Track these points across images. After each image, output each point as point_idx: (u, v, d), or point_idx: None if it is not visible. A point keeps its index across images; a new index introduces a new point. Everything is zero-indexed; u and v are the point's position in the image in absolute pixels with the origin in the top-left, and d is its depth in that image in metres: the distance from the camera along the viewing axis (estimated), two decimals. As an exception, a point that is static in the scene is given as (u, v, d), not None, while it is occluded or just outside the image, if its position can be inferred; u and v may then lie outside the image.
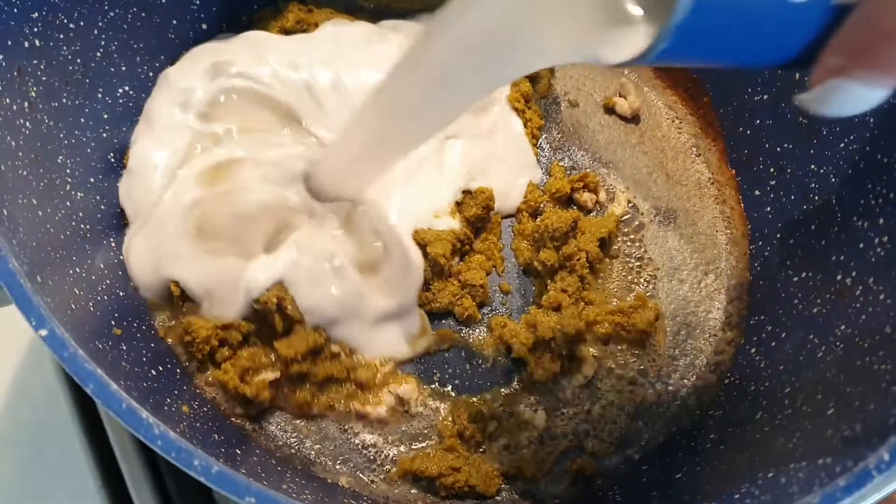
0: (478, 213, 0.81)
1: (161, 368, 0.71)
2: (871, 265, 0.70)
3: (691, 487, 0.69)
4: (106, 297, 0.69)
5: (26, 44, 0.65)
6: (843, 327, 0.70)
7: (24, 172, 0.62)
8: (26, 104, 0.64)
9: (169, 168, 0.77)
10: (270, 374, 0.73)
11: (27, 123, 0.64)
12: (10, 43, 0.62)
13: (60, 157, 0.69)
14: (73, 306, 0.61)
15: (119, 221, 0.78)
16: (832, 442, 0.59)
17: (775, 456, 0.64)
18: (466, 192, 0.82)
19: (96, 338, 0.61)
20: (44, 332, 0.48)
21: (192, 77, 0.81)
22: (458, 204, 0.82)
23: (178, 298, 0.75)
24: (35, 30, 0.66)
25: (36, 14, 0.66)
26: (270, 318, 0.73)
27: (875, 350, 0.64)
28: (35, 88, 0.66)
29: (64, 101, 0.70)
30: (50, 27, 0.68)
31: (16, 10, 0.63)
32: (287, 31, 0.88)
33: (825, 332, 0.72)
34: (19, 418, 0.78)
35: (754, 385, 0.77)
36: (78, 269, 0.66)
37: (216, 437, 0.69)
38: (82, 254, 0.68)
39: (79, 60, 0.72)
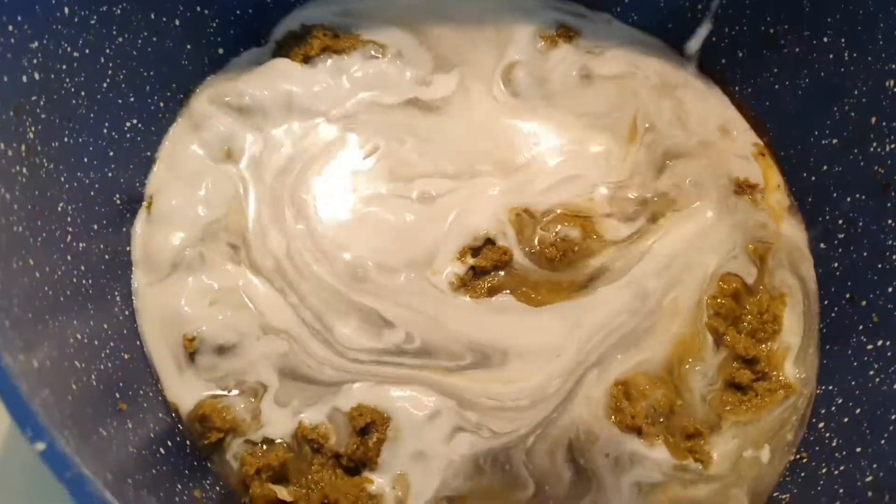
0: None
1: (170, 444, 0.63)
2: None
3: None
4: (110, 364, 0.61)
5: (24, 78, 0.56)
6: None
7: (20, 228, 0.53)
8: (23, 147, 0.56)
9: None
10: (285, 495, 0.65)
11: (24, 170, 0.56)
12: (5, 79, 0.54)
13: (61, 205, 0.61)
14: (75, 385, 0.53)
15: (125, 271, 0.70)
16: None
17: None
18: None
19: (100, 421, 0.53)
20: (41, 447, 0.40)
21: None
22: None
23: (189, 356, 0.67)
24: (35, 61, 0.58)
25: (36, 44, 0.57)
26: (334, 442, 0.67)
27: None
28: (33, 128, 0.57)
29: (66, 140, 0.62)
30: (51, 58, 0.59)
31: (13, 41, 0.55)
32: (309, 59, 0.80)
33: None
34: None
35: (826, 468, 0.69)
36: (80, 336, 0.58)
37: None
38: (84, 315, 0.60)
39: (83, 93, 0.64)
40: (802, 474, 0.71)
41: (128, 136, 0.71)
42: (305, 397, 0.69)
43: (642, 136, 0.83)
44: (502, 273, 0.75)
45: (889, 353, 0.70)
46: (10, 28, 0.54)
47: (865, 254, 0.75)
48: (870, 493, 0.63)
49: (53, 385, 0.47)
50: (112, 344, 0.62)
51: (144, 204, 0.73)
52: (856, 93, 0.75)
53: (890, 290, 0.72)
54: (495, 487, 0.68)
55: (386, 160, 0.78)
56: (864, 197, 0.75)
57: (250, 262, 0.73)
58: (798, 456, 0.73)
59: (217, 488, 0.64)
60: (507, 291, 0.74)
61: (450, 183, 0.77)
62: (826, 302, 0.78)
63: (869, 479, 0.65)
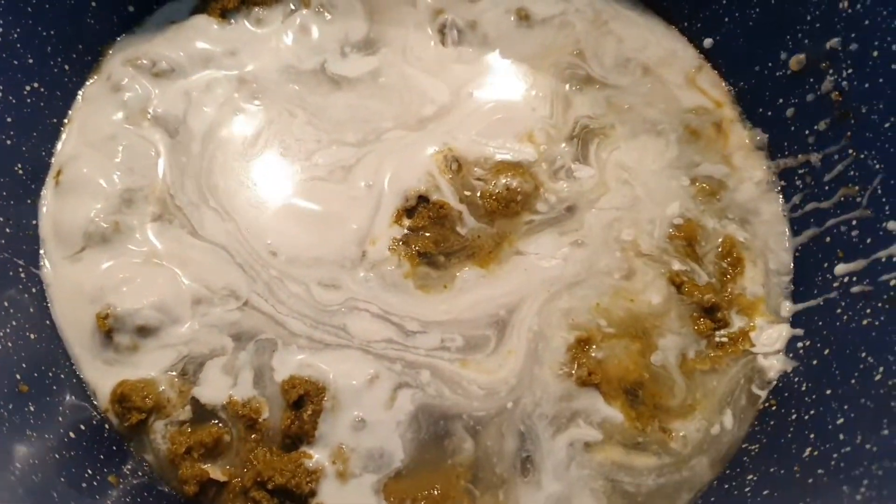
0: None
1: (83, 428, 0.58)
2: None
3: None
4: (10, 345, 0.55)
5: None
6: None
7: None
8: None
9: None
10: (218, 475, 0.60)
11: None
12: None
13: (-53, 174, 0.55)
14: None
15: (31, 246, 0.64)
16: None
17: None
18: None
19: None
20: None
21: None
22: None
23: (105, 334, 0.62)
24: None
25: None
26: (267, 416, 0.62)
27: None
28: None
29: (-52, 102, 0.56)
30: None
31: None
32: (226, 13, 0.75)
33: (881, 348, 0.60)
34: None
35: (796, 413, 0.65)
36: (-31, 313, 0.52)
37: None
38: (-24, 291, 0.54)
39: (-33, 52, 0.58)
40: (772, 422, 0.67)
41: (28, 100, 0.65)
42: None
43: (579, 73, 0.78)
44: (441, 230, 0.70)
45: (855, 289, 0.65)
46: None
47: (828, 188, 0.70)
48: (842, 436, 0.59)
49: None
50: (14, 323, 0.57)
51: (52, 174, 0.67)
52: (808, 18, 0.70)
53: (854, 222, 0.67)
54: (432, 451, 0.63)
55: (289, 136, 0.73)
56: (823, 127, 0.70)
57: (188, 230, 0.68)
58: (766, 404, 0.68)
59: (139, 473, 0.59)
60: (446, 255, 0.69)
61: (357, 149, 0.73)
62: (789, 243, 0.73)
63: (840, 420, 0.61)
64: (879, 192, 0.65)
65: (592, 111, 0.76)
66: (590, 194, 0.72)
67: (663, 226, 0.72)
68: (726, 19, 0.78)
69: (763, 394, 0.68)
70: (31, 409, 0.53)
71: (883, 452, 0.55)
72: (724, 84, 0.80)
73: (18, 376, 0.54)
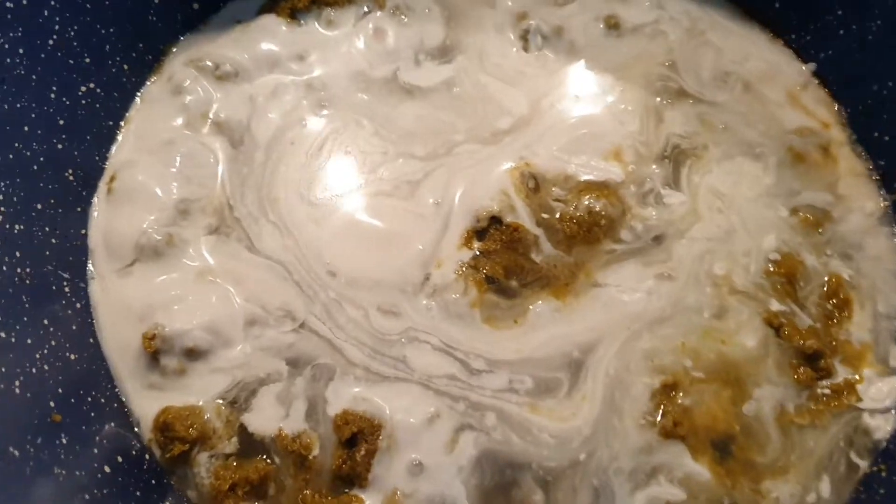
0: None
1: (120, 460, 0.54)
2: None
3: None
4: (46, 368, 0.52)
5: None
6: None
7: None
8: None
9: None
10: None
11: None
12: None
13: (-10, 181, 0.51)
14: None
15: (79, 258, 0.60)
16: None
17: None
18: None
19: (13, 441, 0.43)
20: None
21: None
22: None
23: (151, 356, 0.58)
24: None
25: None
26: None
27: None
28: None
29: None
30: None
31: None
32: (296, 13, 0.70)
33: None
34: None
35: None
36: (3, 334, 0.48)
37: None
38: (14, 312, 0.51)
39: (21, 51, 0.55)
40: (881, 491, 0.60)
41: (83, 102, 0.62)
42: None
43: (671, 86, 0.71)
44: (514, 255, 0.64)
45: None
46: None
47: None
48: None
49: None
50: (53, 343, 0.54)
51: (105, 180, 0.64)
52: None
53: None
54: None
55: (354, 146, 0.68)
56: None
57: (245, 245, 0.64)
58: (875, 468, 0.61)
59: (177, 516, 0.55)
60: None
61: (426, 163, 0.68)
62: (903, 284, 0.66)
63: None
64: None
65: (685, 129, 0.70)
66: (680, 223, 0.66)
67: (760, 260, 0.65)
68: (841, 31, 0.70)
69: (864, 464, 0.60)
70: (63, 441, 0.49)
71: None
72: (834, 104, 0.72)
73: (52, 404, 0.50)
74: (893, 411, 0.62)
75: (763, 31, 0.75)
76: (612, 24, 0.73)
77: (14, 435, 0.44)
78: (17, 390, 0.47)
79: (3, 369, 0.47)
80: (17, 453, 0.43)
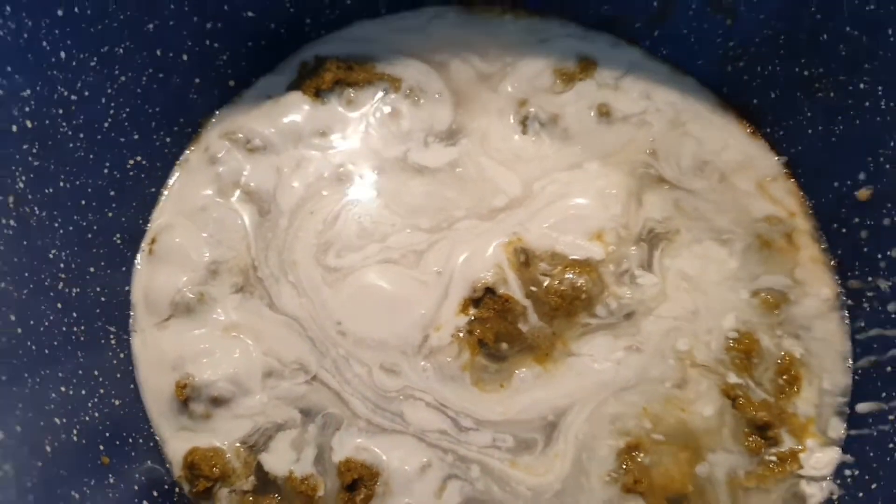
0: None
1: (156, 494, 0.62)
2: None
3: None
4: (97, 415, 0.60)
5: (14, 128, 0.56)
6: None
7: (2, 284, 0.53)
8: (11, 199, 0.55)
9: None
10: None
11: (10, 222, 0.55)
12: (-9, 133, 0.53)
13: (53, 252, 0.60)
14: (49, 448, 0.52)
15: (123, 312, 0.69)
16: None
17: None
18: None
19: (74, 483, 0.53)
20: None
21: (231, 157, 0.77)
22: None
23: (182, 402, 0.67)
24: (26, 109, 0.57)
25: (28, 91, 0.57)
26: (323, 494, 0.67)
27: None
28: (24, 178, 0.57)
29: (61, 185, 0.61)
30: (46, 104, 0.59)
31: (1, 92, 0.54)
32: (320, 92, 0.79)
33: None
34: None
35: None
36: (64, 388, 0.58)
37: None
38: (72, 364, 0.60)
39: (81, 136, 0.63)
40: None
41: (131, 174, 0.70)
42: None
43: (653, 172, 0.80)
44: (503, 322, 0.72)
45: None
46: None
47: (894, 316, 0.71)
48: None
49: (18, 455, 0.47)
50: (102, 391, 0.62)
51: (146, 241, 0.72)
52: (892, 144, 0.71)
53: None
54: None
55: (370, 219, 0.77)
56: (896, 255, 0.71)
57: (266, 303, 0.73)
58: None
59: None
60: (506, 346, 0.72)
61: (430, 235, 0.76)
62: (849, 365, 0.74)
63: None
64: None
65: (661, 214, 0.78)
66: (650, 302, 0.74)
67: (720, 337, 0.73)
68: (810, 131, 0.78)
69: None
70: (111, 480, 0.57)
71: None
72: (801, 194, 0.80)
73: (101, 447, 0.59)
74: (828, 478, 0.70)
75: (741, 123, 0.83)
76: (604, 112, 0.82)
77: (75, 480, 0.53)
78: (75, 438, 0.56)
79: (65, 420, 0.55)
80: (77, 496, 0.52)
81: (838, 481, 0.70)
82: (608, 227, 0.77)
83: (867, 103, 0.72)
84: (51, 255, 0.60)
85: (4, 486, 0.43)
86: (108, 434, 0.60)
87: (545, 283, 0.74)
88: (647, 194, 0.79)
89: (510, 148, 0.80)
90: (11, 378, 0.51)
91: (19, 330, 0.54)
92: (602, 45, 0.85)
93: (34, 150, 0.58)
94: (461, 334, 0.72)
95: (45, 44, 0.58)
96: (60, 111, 0.61)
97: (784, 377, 0.73)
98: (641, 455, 0.69)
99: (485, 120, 0.81)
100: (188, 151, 0.77)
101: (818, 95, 0.76)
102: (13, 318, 0.54)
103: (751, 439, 0.71)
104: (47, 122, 0.59)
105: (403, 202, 0.77)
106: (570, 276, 0.74)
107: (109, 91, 0.66)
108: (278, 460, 0.67)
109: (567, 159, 0.80)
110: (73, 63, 0.61)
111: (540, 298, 0.74)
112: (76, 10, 0.60)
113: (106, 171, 0.67)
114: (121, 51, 0.66)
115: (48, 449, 0.52)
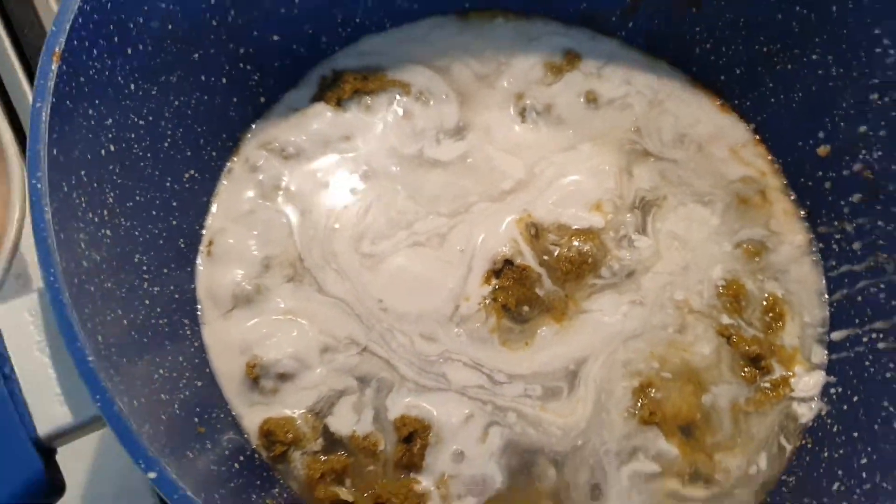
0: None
1: (242, 458, 0.72)
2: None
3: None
4: (188, 393, 0.70)
5: (102, 152, 0.65)
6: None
7: (109, 284, 0.63)
8: (105, 212, 0.65)
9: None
10: (347, 495, 0.74)
11: (108, 232, 0.65)
12: (89, 156, 0.63)
13: (137, 256, 0.70)
14: (164, 416, 0.62)
15: (193, 307, 0.79)
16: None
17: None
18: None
19: (188, 446, 0.62)
20: (153, 475, 0.49)
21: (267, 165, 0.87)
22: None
23: (253, 380, 0.77)
24: (109, 136, 0.67)
25: (110, 120, 0.66)
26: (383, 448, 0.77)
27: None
28: (112, 194, 0.66)
29: (137, 198, 0.71)
30: (122, 129, 0.68)
31: (93, 122, 0.64)
32: (341, 102, 0.89)
33: (902, 401, 0.72)
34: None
35: (828, 451, 0.77)
36: (162, 371, 0.67)
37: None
38: (163, 352, 0.69)
39: (149, 155, 0.73)
40: (807, 458, 0.78)
41: (187, 186, 0.80)
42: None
43: (639, 147, 0.91)
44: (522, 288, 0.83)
45: (881, 346, 0.77)
46: (91, 112, 0.63)
47: (860, 254, 0.82)
48: (864, 474, 0.71)
49: (150, 420, 0.56)
50: (188, 374, 0.72)
51: (204, 244, 0.82)
52: (844, 105, 0.82)
53: (882, 286, 0.79)
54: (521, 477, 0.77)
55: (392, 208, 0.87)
56: (856, 200, 0.82)
57: (315, 288, 0.82)
58: (804, 441, 0.80)
59: (284, 495, 0.73)
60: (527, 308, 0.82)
61: (450, 220, 0.86)
62: (825, 300, 0.85)
63: (864, 461, 0.72)
64: (905, 260, 0.77)
65: (649, 184, 0.88)
66: (647, 262, 0.85)
67: (710, 286, 0.84)
68: (773, 100, 0.89)
69: (789, 447, 0.80)
70: (208, 445, 0.67)
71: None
72: (769, 157, 0.91)
73: (196, 420, 0.68)
74: (816, 398, 0.82)
75: (712, 98, 0.94)
76: (591, 99, 0.92)
77: (185, 443, 0.62)
78: (177, 411, 0.65)
79: (168, 397, 0.65)
80: (190, 455, 0.61)
81: (825, 399, 0.81)
82: (605, 198, 0.87)
83: (820, 71, 0.83)
84: (135, 259, 0.70)
85: (150, 439, 0.52)
86: (198, 409, 0.70)
87: (555, 252, 0.85)
88: (635, 167, 0.89)
89: (512, 137, 0.90)
90: (129, 362, 0.60)
91: (125, 322, 0.64)
92: (582, 38, 0.96)
93: (117, 170, 0.68)
94: (487, 302, 0.82)
95: (119, 79, 0.67)
96: (133, 135, 0.70)
97: (770, 315, 0.84)
98: (653, 391, 0.80)
99: (487, 114, 0.91)
100: (231, 163, 0.86)
101: (777, 68, 0.87)
102: (120, 312, 0.63)
103: (746, 371, 0.82)
104: (124, 145, 0.69)
105: (424, 193, 0.87)
106: (577, 243, 0.85)
107: (167, 114, 0.75)
108: (342, 422, 0.77)
109: (562, 143, 0.91)
110: (140, 93, 0.70)
111: (552, 265, 0.84)
112: (140, 47, 0.69)
113: (168, 184, 0.76)
114: (174, 79, 0.75)
115: (163, 417, 0.61)
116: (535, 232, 0.85)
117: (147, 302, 0.70)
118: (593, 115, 0.92)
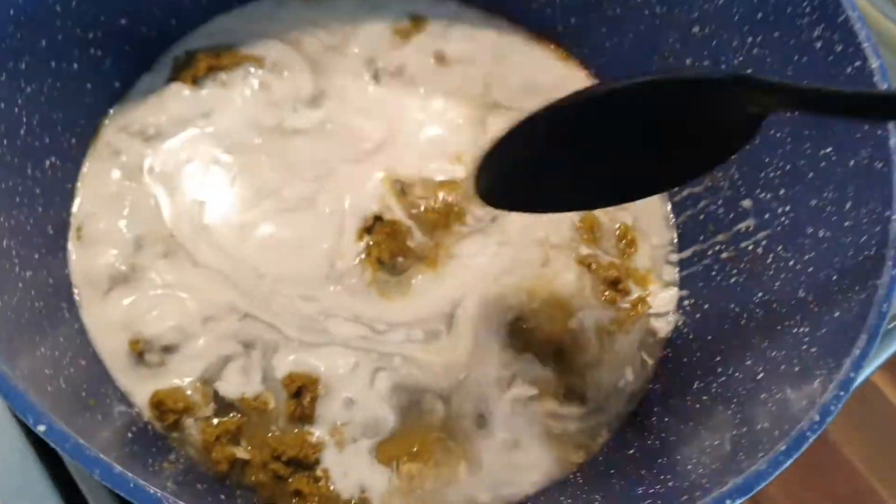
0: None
1: (135, 429, 0.73)
2: (778, 234, 0.78)
3: (645, 462, 0.76)
4: (73, 370, 0.70)
5: (-44, 138, 0.65)
6: (760, 294, 0.78)
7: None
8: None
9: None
10: (243, 454, 0.76)
11: (-30, 218, 0.65)
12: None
13: (5, 242, 0.70)
14: (49, 388, 0.62)
15: (69, 291, 0.79)
16: (767, 406, 0.66)
17: (717, 424, 0.72)
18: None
19: (77, 415, 0.63)
20: (42, 428, 0.50)
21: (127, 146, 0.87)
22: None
23: (137, 355, 0.78)
24: (-39, 123, 0.66)
25: (-41, 107, 0.66)
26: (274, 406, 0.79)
27: (792, 314, 0.71)
28: (-29, 182, 0.66)
29: (1, 186, 0.71)
30: (-26, 117, 0.68)
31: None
32: (197, 80, 0.90)
33: (744, 300, 0.80)
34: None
35: (686, 357, 0.84)
36: (43, 349, 0.67)
37: (200, 486, 0.72)
38: (42, 332, 0.70)
39: (5, 142, 0.72)
40: (669, 366, 0.86)
41: (49, 173, 0.79)
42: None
43: (490, 99, 0.96)
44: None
45: (724, 255, 0.85)
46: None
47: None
48: (719, 369, 0.78)
49: (36, 386, 0.57)
50: (70, 353, 0.72)
51: (73, 230, 0.82)
52: (670, 41, 0.89)
53: (720, 202, 0.87)
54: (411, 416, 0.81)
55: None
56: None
57: (190, 262, 0.83)
58: (666, 352, 0.87)
59: (181, 460, 0.75)
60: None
61: (317, 184, 0.89)
62: (671, 222, 0.92)
63: (718, 358, 0.79)
64: (736, 177, 0.85)
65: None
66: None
67: (568, 222, 0.90)
68: (607, 44, 0.96)
69: (651, 361, 0.87)
70: (99, 418, 0.68)
71: (746, 378, 0.74)
72: (610, 98, 0.98)
73: (84, 393, 0.69)
74: (672, 312, 0.89)
75: (552, 49, 1.00)
76: (440, 58, 0.97)
77: (77, 414, 0.63)
78: (63, 385, 0.66)
79: (52, 371, 0.66)
80: (81, 422, 0.63)
81: (680, 311, 0.88)
82: (464, 150, 0.92)
83: (646, 12, 0.90)
84: (4, 245, 0.70)
85: (37, 400, 0.53)
86: (85, 385, 0.70)
87: (422, 206, 0.89)
88: (489, 118, 0.94)
89: (367, 98, 0.94)
90: (10, 339, 0.61)
91: (0, 303, 0.64)
92: (426, 3, 1.00)
93: (-27, 158, 0.68)
94: (362, 257, 0.85)
95: (-36, 64, 0.67)
96: (-14, 123, 0.70)
97: (623, 242, 0.91)
98: (525, 322, 0.85)
99: (341, 80, 0.94)
100: (92, 148, 0.86)
101: (608, 13, 0.94)
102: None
103: (606, 294, 0.88)
104: (-23, 132, 0.69)
105: (288, 161, 0.89)
106: (441, 195, 0.89)
107: (20, 101, 0.75)
108: (231, 386, 0.79)
109: (417, 101, 0.95)
110: (-11, 79, 0.70)
111: (420, 217, 0.88)
112: (-17, 33, 0.69)
113: (29, 171, 0.76)
114: (23, 66, 0.75)
115: (49, 388, 0.62)
116: (400, 187, 0.89)
117: (20, 285, 0.70)
118: (444, 72, 0.96)
